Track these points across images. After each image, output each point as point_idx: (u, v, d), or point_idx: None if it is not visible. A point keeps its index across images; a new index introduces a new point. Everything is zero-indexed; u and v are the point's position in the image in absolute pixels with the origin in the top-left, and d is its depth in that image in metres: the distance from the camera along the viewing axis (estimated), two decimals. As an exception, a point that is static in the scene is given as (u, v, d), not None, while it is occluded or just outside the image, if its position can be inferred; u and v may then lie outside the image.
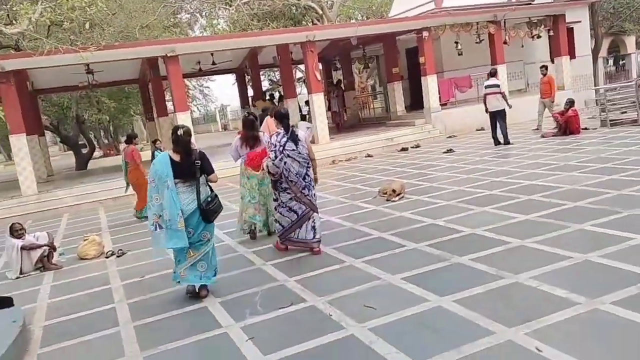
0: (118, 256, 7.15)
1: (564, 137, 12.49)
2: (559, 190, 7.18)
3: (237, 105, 40.92)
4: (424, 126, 16.33)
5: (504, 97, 12.63)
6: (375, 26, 16.25)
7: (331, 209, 8.29)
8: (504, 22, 17.48)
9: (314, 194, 5.96)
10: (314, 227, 5.90)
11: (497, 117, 12.61)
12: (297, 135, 5.76)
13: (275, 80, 38.86)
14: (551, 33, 18.68)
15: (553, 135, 12.89)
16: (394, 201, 8.12)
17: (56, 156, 39.23)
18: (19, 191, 12.52)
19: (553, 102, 14.32)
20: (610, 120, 12.98)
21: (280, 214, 5.97)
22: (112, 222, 9.93)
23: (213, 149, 20.74)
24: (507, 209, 6.64)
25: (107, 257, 7.17)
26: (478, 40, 17.25)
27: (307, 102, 16.69)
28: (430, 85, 16.33)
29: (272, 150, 5.81)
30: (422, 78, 16.55)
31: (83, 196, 12.64)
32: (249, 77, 21.12)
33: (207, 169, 4.90)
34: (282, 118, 5.86)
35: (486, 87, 12.86)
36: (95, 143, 34.96)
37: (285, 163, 5.71)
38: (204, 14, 29.79)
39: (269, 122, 7.37)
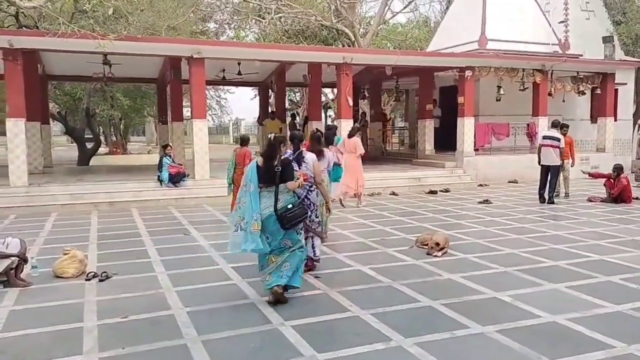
0: (101, 280, 5.86)
1: (614, 204, 11.25)
2: (644, 275, 5.90)
3: (252, 121, 39.76)
4: (455, 170, 15.10)
5: (561, 153, 11.45)
6: (417, 57, 15.17)
7: (361, 254, 7.00)
8: (551, 73, 16.42)
9: (313, 218, 5.88)
10: (313, 246, 6.04)
11: (550, 173, 11.43)
12: (303, 157, 5.72)
13: (295, 101, 37.96)
14: (598, 91, 17.60)
15: (601, 201, 11.65)
16: (436, 256, 6.84)
17: (62, 146, 38.22)
18: (7, 181, 11.30)
19: (572, 166, 12.74)
20: (667, 193, 11.75)
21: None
22: (103, 232, 8.65)
23: (222, 164, 19.61)
24: (586, 290, 5.34)
25: (87, 280, 5.87)
26: (522, 88, 16.17)
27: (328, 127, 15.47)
28: (467, 127, 15.18)
29: None
30: (459, 119, 15.40)
31: (77, 196, 11.42)
32: (273, 92, 20.04)
33: (287, 177, 4.95)
34: (294, 139, 5.92)
35: (544, 137, 11.65)
36: (102, 139, 33.97)
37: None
38: (232, 25, 29.07)
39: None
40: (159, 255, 7.04)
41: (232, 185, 9.15)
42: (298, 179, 5.21)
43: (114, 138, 34.95)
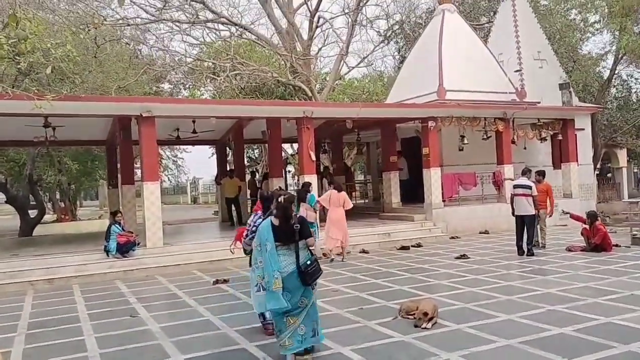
0: (22, 389, 4.70)
1: (595, 253, 10.73)
2: (665, 340, 5.17)
3: (210, 180, 38.76)
4: (425, 223, 14.46)
5: (534, 201, 10.92)
6: (380, 109, 14.77)
7: (339, 331, 6.05)
8: (513, 121, 16.30)
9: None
10: None
11: (526, 223, 10.84)
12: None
13: (254, 158, 37.22)
14: (559, 137, 17.58)
15: (582, 250, 11.12)
16: (425, 328, 5.96)
17: (8, 215, 35.84)
18: None
19: (551, 215, 12.35)
20: (647, 239, 11.34)
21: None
22: (35, 319, 7.39)
23: (179, 227, 18.51)
24: (609, 366, 4.56)
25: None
26: (485, 137, 15.92)
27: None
28: (434, 178, 14.68)
29: (247, 229, 6.23)
30: (425, 170, 14.91)
31: (10, 274, 10.05)
32: (231, 150, 19.22)
33: (305, 233, 5.10)
34: (264, 200, 6.10)
35: (515, 186, 11.18)
36: (50, 206, 32.05)
37: None
38: (187, 85, 28.49)
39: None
40: (98, 347, 5.88)
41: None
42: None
43: (62, 204, 33.04)
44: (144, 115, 11.23)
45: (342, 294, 8.08)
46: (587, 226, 11.37)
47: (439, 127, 14.91)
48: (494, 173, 16.05)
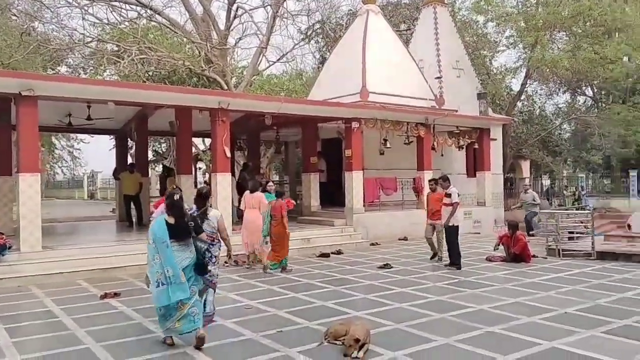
0: None
1: (515, 264, 10.48)
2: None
3: (109, 174, 36.10)
4: (345, 228, 13.71)
5: (453, 210, 10.31)
6: (302, 105, 13.75)
7: (254, 363, 5.01)
8: (434, 127, 16.05)
9: (210, 271, 5.93)
10: (206, 302, 5.98)
11: (447, 232, 10.34)
12: (207, 214, 6.12)
13: (160, 152, 34.97)
14: (476, 146, 17.64)
15: (502, 261, 10.84)
16: (357, 358, 5.06)
17: None
18: None
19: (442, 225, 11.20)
20: (563, 250, 11.26)
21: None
22: None
23: (71, 225, 16.43)
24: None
25: None
26: (407, 142, 15.52)
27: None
28: (356, 182, 13.98)
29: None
30: (347, 173, 14.21)
31: None
32: (133, 141, 17.40)
33: (198, 230, 5.68)
34: (199, 197, 6.26)
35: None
36: None
37: None
38: (88, 70, 25.94)
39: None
40: None
41: (269, 236, 9.96)
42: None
43: None
44: (23, 94, 9.42)
45: (257, 312, 6.99)
46: (507, 234, 11.17)
47: (362, 129, 14.27)
48: (414, 179, 15.69)
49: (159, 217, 5.52)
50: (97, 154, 47.78)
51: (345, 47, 18.61)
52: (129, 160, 18.48)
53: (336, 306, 7.17)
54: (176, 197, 5.45)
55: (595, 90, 31.78)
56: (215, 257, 6.09)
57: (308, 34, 30.08)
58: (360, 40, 17.47)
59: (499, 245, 11.05)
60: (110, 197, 38.09)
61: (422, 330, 5.99)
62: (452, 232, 10.30)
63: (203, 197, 6.20)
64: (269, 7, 24.22)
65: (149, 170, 18.07)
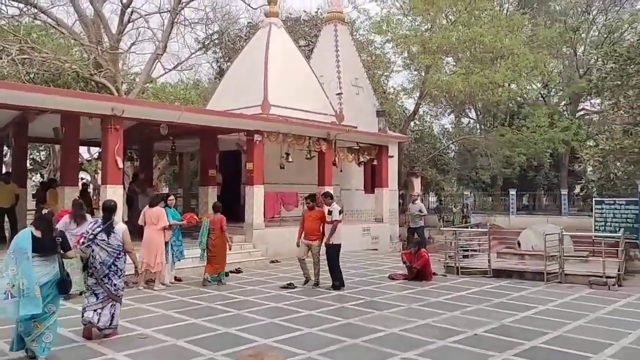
0: None
1: (418, 282, 10.61)
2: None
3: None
4: (244, 245, 13.18)
5: (333, 228, 9.79)
6: (204, 116, 13.03)
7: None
8: (335, 143, 16.08)
9: (116, 284, 6.26)
10: (112, 315, 6.23)
11: (327, 252, 9.87)
12: (113, 228, 6.29)
13: (39, 161, 32.02)
14: (374, 162, 17.96)
15: (404, 278, 10.95)
16: (270, 395, 4.62)
17: None
18: None
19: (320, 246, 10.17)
20: (461, 268, 11.62)
21: (85, 295, 6.35)
22: None
23: None
24: None
25: None
26: (309, 156, 15.39)
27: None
28: (257, 196, 13.54)
29: (84, 237, 6.35)
30: (247, 187, 13.75)
31: None
32: (9, 149, 15.60)
33: (66, 246, 5.63)
34: (105, 210, 6.44)
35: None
36: None
37: (93, 250, 6.18)
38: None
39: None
40: None
41: (207, 249, 10.02)
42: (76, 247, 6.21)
43: None
44: None
45: (154, 342, 6.31)
46: (409, 251, 11.34)
47: (264, 142, 13.89)
48: (314, 194, 15.51)
49: (26, 229, 5.57)
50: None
51: (247, 58, 18.23)
52: (4, 169, 16.56)
53: (241, 333, 6.69)
54: (44, 211, 5.72)
55: (479, 112, 34.07)
56: (121, 269, 6.32)
57: (206, 43, 29.27)
58: (262, 52, 17.19)
59: (405, 262, 11.13)
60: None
61: (334, 358, 5.70)
62: (332, 251, 9.83)
63: (109, 211, 6.37)
64: (166, 13, 23.24)
65: (27, 180, 16.23)
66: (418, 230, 15.70)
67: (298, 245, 10.23)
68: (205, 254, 10.10)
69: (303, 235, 10.16)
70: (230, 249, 10.51)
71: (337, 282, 9.81)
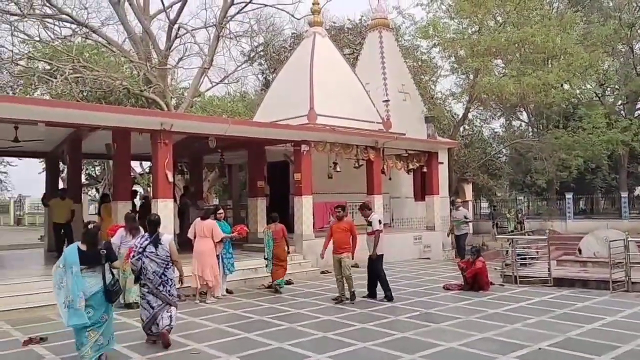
0: None
1: (474, 292, 10.19)
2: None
3: (38, 198, 33.87)
4: (294, 256, 13.04)
5: (376, 239, 9.57)
6: (251, 128, 13.05)
7: None
8: (383, 150, 15.82)
9: (170, 291, 6.65)
10: (170, 317, 6.61)
11: (374, 263, 9.66)
12: (160, 240, 6.70)
13: (94, 176, 33.14)
14: (424, 170, 17.55)
15: (459, 289, 10.54)
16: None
17: None
18: None
19: (352, 258, 9.64)
20: (519, 277, 11.10)
21: (141, 306, 6.76)
22: None
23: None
24: None
25: None
26: (357, 165, 15.20)
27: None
28: (306, 207, 13.44)
29: (134, 251, 6.80)
30: (296, 198, 13.68)
31: None
32: (65, 165, 16.14)
33: (112, 257, 5.91)
34: (150, 224, 6.87)
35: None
36: None
37: (143, 262, 6.59)
38: (17, 89, 24.19)
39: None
40: None
41: (272, 259, 10.36)
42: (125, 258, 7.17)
43: None
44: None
45: (207, 357, 6.24)
46: (467, 259, 10.96)
47: (311, 152, 13.80)
48: (364, 202, 15.28)
49: (73, 244, 5.89)
50: (26, 177, 44.76)
51: (292, 69, 18.24)
52: (60, 184, 17.14)
53: (294, 348, 6.53)
54: (90, 226, 5.83)
55: (531, 115, 32.97)
56: (171, 279, 6.68)
57: (251, 56, 29.64)
58: (307, 62, 17.15)
59: (462, 269, 10.75)
60: (39, 223, 35.71)
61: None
62: (378, 262, 9.63)
63: (154, 224, 6.81)
64: (211, 27, 23.65)
65: (82, 195, 16.73)
66: (461, 238, 15.14)
67: (322, 257, 9.82)
68: (271, 264, 10.40)
69: (332, 248, 9.52)
70: (289, 254, 10.86)
71: (389, 292, 9.58)
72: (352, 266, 9.67)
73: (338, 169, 14.87)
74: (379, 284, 9.77)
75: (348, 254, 9.42)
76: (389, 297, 9.51)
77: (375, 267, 9.70)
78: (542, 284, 10.87)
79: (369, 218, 9.88)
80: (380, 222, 9.92)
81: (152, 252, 6.59)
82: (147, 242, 6.66)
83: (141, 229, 8.96)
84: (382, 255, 9.80)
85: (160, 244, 6.62)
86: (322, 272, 12.91)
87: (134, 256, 6.68)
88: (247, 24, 26.44)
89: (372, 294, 9.79)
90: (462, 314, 8.36)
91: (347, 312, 8.64)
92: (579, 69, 20.62)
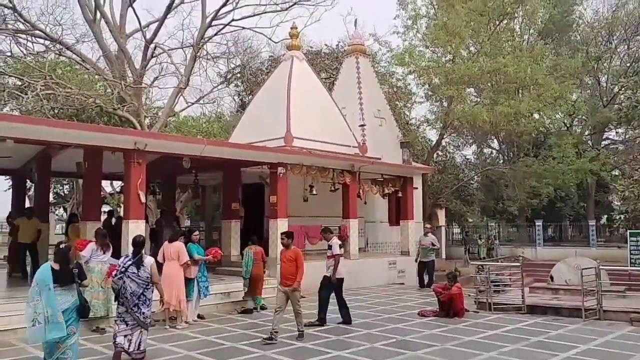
0: None
1: (449, 319, 10.15)
2: None
3: (2, 216, 32.83)
4: (269, 280, 12.84)
5: (335, 263, 9.63)
6: (227, 149, 12.92)
7: None
8: (359, 175, 15.84)
9: (144, 313, 6.86)
10: (139, 342, 6.82)
11: (334, 287, 9.76)
12: (142, 261, 6.96)
13: (62, 195, 32.36)
14: (400, 194, 17.61)
15: (435, 315, 10.49)
16: None
17: None
18: None
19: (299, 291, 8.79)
20: (493, 304, 11.11)
21: (115, 322, 7.03)
22: None
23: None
24: None
25: None
26: (333, 189, 15.17)
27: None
28: (281, 230, 13.23)
29: (116, 269, 7.05)
30: (271, 221, 13.53)
31: None
32: (33, 183, 15.67)
33: (82, 277, 6.06)
34: (135, 245, 7.22)
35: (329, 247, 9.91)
36: None
37: (124, 282, 6.81)
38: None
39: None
40: None
41: (250, 278, 10.78)
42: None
43: None
44: None
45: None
46: (443, 284, 10.94)
47: (288, 174, 13.72)
48: (339, 227, 15.25)
49: (46, 263, 5.96)
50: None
51: (269, 91, 18.24)
52: (27, 203, 16.62)
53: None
54: (62, 245, 5.99)
55: (502, 142, 33.63)
56: (149, 299, 6.93)
57: (228, 77, 29.60)
58: (285, 85, 17.17)
59: (438, 294, 10.72)
60: (2, 242, 34.47)
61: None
62: (337, 287, 9.76)
63: (139, 246, 7.13)
64: (188, 48, 23.56)
65: (49, 215, 16.23)
66: (429, 264, 15.16)
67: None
68: (250, 283, 10.86)
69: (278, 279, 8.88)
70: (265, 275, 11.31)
71: (347, 317, 9.70)
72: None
73: (314, 192, 14.81)
74: (328, 309, 9.72)
75: (294, 285, 8.49)
76: (347, 322, 9.60)
77: (337, 292, 9.75)
78: (515, 311, 10.89)
79: (329, 242, 9.91)
80: (340, 246, 9.96)
81: (134, 272, 6.83)
82: (130, 262, 6.92)
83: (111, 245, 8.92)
84: (342, 279, 9.81)
85: (143, 265, 6.90)
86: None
87: (115, 275, 6.94)
88: (225, 45, 26.45)
89: (321, 320, 9.63)
90: (438, 341, 8.29)
91: (322, 339, 8.49)
92: (549, 99, 21.18)
